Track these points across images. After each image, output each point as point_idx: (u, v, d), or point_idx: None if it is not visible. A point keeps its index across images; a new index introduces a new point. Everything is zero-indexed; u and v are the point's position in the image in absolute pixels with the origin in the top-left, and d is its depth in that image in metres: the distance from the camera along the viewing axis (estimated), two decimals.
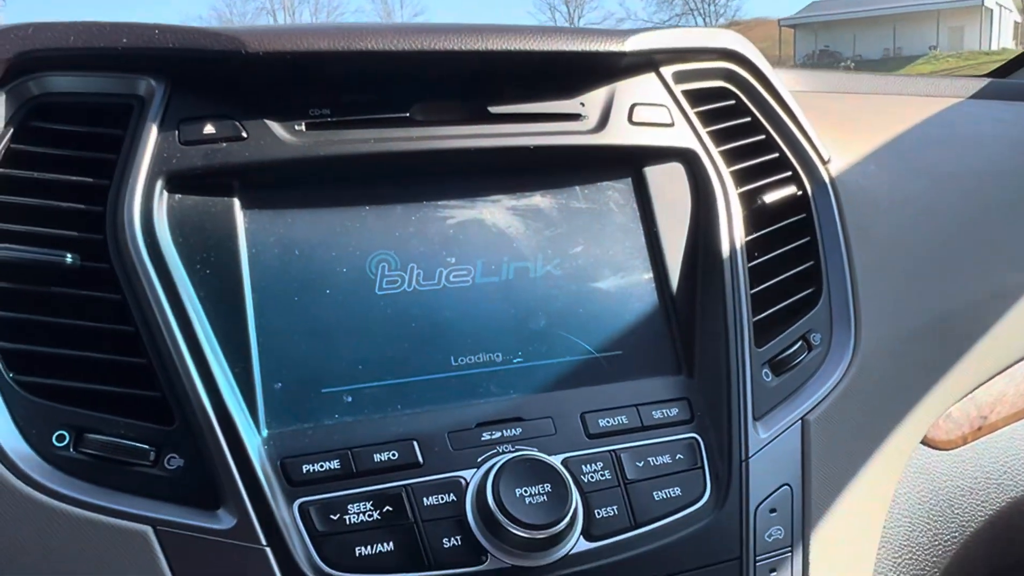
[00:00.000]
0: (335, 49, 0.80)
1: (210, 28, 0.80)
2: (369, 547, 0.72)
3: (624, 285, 0.89)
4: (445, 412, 0.79)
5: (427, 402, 0.80)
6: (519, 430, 0.80)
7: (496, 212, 0.87)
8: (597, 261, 0.89)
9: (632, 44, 0.90)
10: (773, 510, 0.83)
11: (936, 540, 1.03)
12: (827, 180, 1.00)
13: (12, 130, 0.77)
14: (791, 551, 0.84)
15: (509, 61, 0.86)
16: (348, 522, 0.72)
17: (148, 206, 0.75)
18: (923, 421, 1.00)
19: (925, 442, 1.04)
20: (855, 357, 0.93)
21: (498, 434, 0.79)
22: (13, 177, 0.76)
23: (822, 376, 0.91)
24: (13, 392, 0.71)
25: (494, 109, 0.88)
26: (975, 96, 1.46)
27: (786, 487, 0.85)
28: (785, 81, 1.03)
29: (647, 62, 0.94)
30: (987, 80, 1.50)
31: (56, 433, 0.70)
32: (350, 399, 0.78)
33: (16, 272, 0.73)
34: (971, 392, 1.08)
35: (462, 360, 0.82)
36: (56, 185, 0.76)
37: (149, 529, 0.69)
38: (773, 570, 0.82)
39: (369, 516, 0.73)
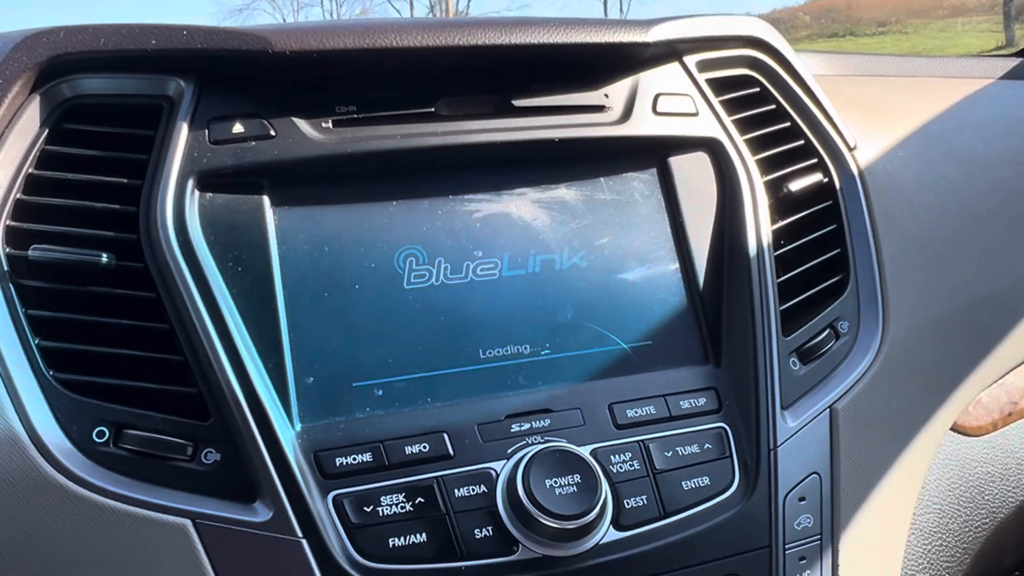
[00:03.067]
0: (360, 47, 0.80)
1: (237, 28, 0.81)
2: (402, 538, 0.73)
3: (650, 276, 0.89)
4: (474, 404, 0.80)
5: (456, 395, 0.81)
6: (548, 421, 0.80)
7: (522, 205, 0.88)
8: (623, 252, 0.89)
9: (655, 34, 0.89)
10: (802, 499, 0.84)
11: (966, 527, 1.03)
12: (853, 167, 0.99)
13: (46, 132, 0.78)
14: (820, 539, 0.84)
15: (533, 54, 0.86)
16: (381, 514, 0.73)
17: (180, 205, 0.76)
18: (953, 408, 1.00)
19: (955, 429, 1.03)
20: (883, 345, 0.92)
21: (527, 425, 0.80)
22: (48, 179, 0.77)
23: (850, 364, 0.91)
24: (54, 389, 0.72)
25: (519, 102, 0.88)
26: (1006, 77, 1.43)
27: (815, 476, 0.85)
28: (809, 66, 1.02)
29: (670, 52, 0.94)
30: (1019, 60, 1.48)
31: (96, 429, 0.72)
32: (381, 392, 0.79)
33: (53, 272, 0.75)
34: (1001, 378, 1.07)
35: (490, 352, 0.83)
36: (90, 186, 0.78)
37: (188, 522, 0.70)
38: (803, 559, 0.83)
39: (402, 508, 0.74)
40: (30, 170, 0.77)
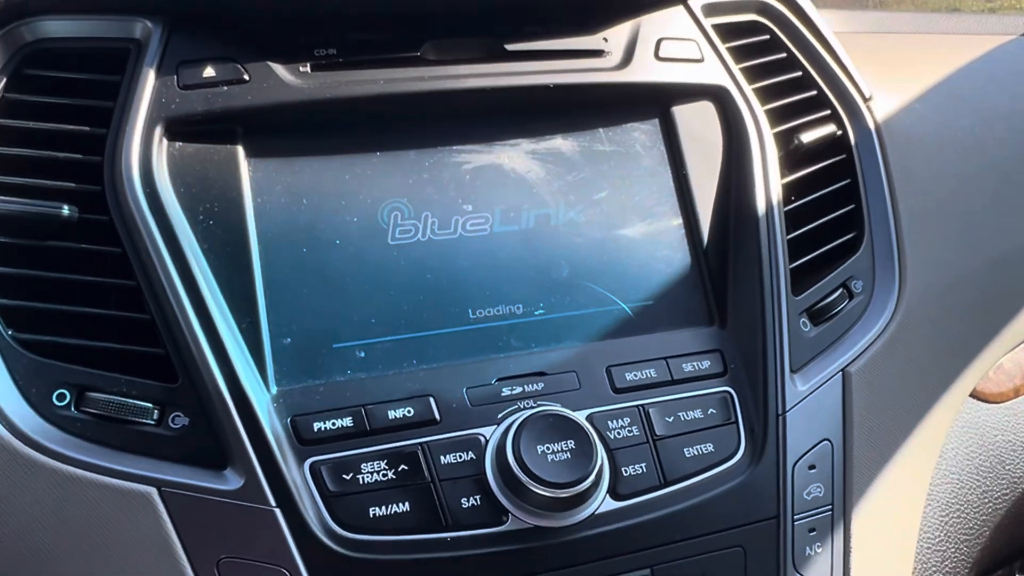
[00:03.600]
0: None
1: None
2: (384, 507, 0.69)
3: (652, 232, 0.84)
4: (463, 367, 0.76)
5: (444, 357, 0.76)
6: (541, 385, 0.76)
7: (515, 157, 0.83)
8: (623, 207, 0.84)
9: None
10: (812, 467, 0.79)
11: (985, 498, 0.98)
12: (869, 119, 0.94)
13: (5, 79, 0.74)
14: (832, 510, 0.79)
15: None
16: (361, 482, 0.69)
17: (147, 154, 0.72)
18: (973, 373, 0.95)
19: (974, 395, 0.98)
20: (899, 305, 0.87)
21: (519, 389, 0.75)
22: (7, 127, 0.73)
23: (864, 326, 0.86)
24: (12, 350, 0.68)
25: (511, 46, 0.83)
26: None
27: (826, 443, 0.80)
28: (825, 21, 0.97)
29: None
30: None
31: (57, 392, 0.68)
32: (363, 354, 0.75)
33: (13, 225, 0.71)
34: None
35: (480, 312, 0.78)
36: (51, 135, 0.73)
37: (153, 490, 0.66)
38: (812, 530, 0.78)
39: (383, 475, 0.69)
40: None
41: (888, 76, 1.01)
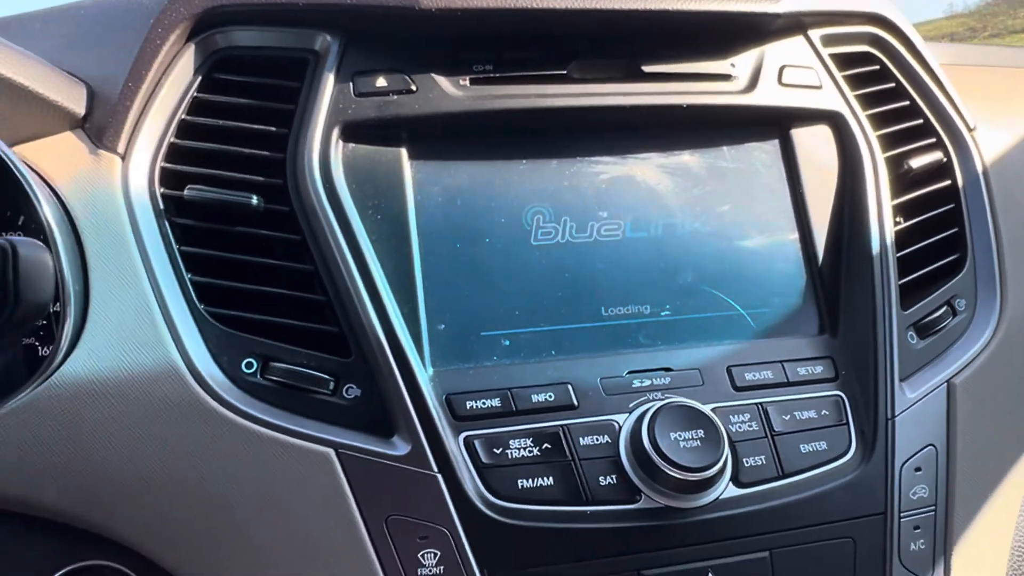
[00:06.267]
0: (501, 7, 0.82)
1: None
2: (530, 480, 0.75)
3: (769, 244, 0.90)
4: (597, 359, 0.82)
5: (580, 349, 0.83)
6: (668, 379, 0.82)
7: (646, 169, 0.89)
8: (743, 220, 0.90)
9: (785, 5, 0.90)
10: (918, 468, 0.84)
11: None
12: (973, 148, 0.99)
13: (199, 80, 0.82)
14: (935, 510, 0.84)
15: (664, 20, 0.88)
16: (510, 456, 0.76)
17: (325, 153, 0.80)
18: None
19: None
20: (1001, 323, 0.92)
21: (648, 382, 0.82)
22: (199, 125, 0.81)
23: (967, 341, 0.91)
24: (206, 322, 0.76)
25: (648, 68, 0.89)
26: None
27: (931, 447, 0.85)
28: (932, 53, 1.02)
29: (796, 24, 0.95)
30: None
31: (245, 360, 0.76)
32: (507, 343, 0.82)
33: (206, 212, 0.79)
34: None
35: (612, 311, 0.85)
36: (239, 133, 0.81)
37: (331, 452, 0.74)
38: (917, 527, 0.83)
39: (529, 452, 0.76)
40: (183, 116, 0.81)
41: (992, 107, 1.05)
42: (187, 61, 0.82)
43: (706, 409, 0.78)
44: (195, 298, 0.77)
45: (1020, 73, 1.25)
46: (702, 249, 0.88)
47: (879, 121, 0.96)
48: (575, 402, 0.79)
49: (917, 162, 0.95)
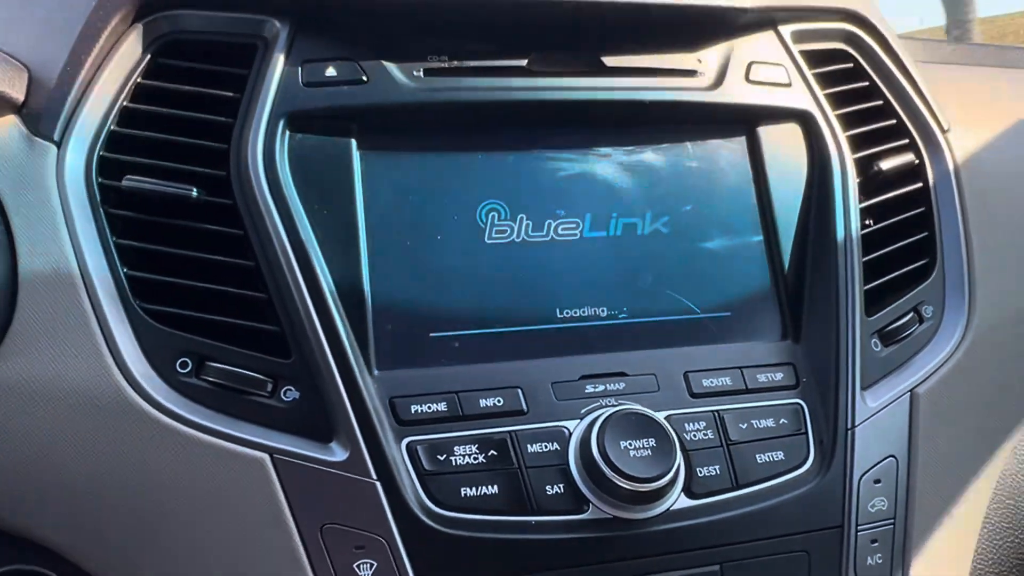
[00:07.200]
0: None
1: None
2: (474, 488, 0.73)
3: (733, 246, 0.88)
4: (549, 363, 0.80)
5: (532, 352, 0.80)
6: (622, 385, 0.80)
7: (606, 166, 0.87)
8: (706, 220, 0.87)
9: (753, 0, 0.87)
10: (877, 481, 0.82)
11: None
12: (946, 150, 0.97)
13: (143, 66, 0.79)
14: (894, 524, 0.82)
15: (628, 13, 0.85)
16: (454, 463, 0.73)
17: (270, 144, 0.76)
18: None
19: None
20: (968, 332, 0.90)
21: (601, 387, 0.79)
22: (141, 112, 0.78)
23: (933, 349, 0.89)
24: (140, 319, 0.73)
25: (610, 62, 0.87)
26: None
27: (891, 459, 0.83)
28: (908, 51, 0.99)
29: (766, 20, 0.92)
30: None
31: (180, 360, 0.73)
32: (457, 345, 0.79)
33: (143, 203, 0.76)
34: None
35: (568, 313, 0.82)
36: (182, 121, 0.78)
37: (266, 456, 0.71)
38: (874, 541, 0.81)
39: (474, 459, 0.74)
40: (125, 103, 0.78)
41: (967, 107, 1.03)
42: (130, 45, 0.78)
43: (659, 417, 0.76)
44: (129, 294, 0.74)
45: (996, 72, 1.23)
46: (663, 250, 0.86)
47: (850, 121, 0.94)
48: (525, 407, 0.77)
49: (888, 164, 0.93)
